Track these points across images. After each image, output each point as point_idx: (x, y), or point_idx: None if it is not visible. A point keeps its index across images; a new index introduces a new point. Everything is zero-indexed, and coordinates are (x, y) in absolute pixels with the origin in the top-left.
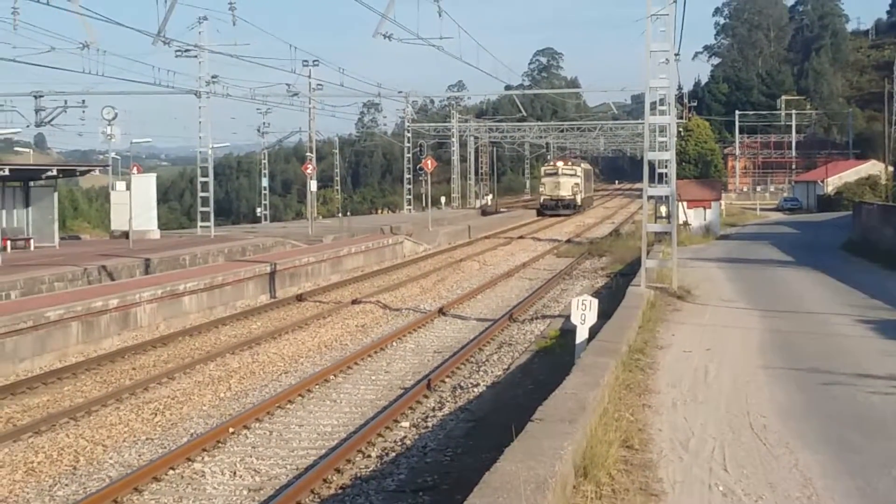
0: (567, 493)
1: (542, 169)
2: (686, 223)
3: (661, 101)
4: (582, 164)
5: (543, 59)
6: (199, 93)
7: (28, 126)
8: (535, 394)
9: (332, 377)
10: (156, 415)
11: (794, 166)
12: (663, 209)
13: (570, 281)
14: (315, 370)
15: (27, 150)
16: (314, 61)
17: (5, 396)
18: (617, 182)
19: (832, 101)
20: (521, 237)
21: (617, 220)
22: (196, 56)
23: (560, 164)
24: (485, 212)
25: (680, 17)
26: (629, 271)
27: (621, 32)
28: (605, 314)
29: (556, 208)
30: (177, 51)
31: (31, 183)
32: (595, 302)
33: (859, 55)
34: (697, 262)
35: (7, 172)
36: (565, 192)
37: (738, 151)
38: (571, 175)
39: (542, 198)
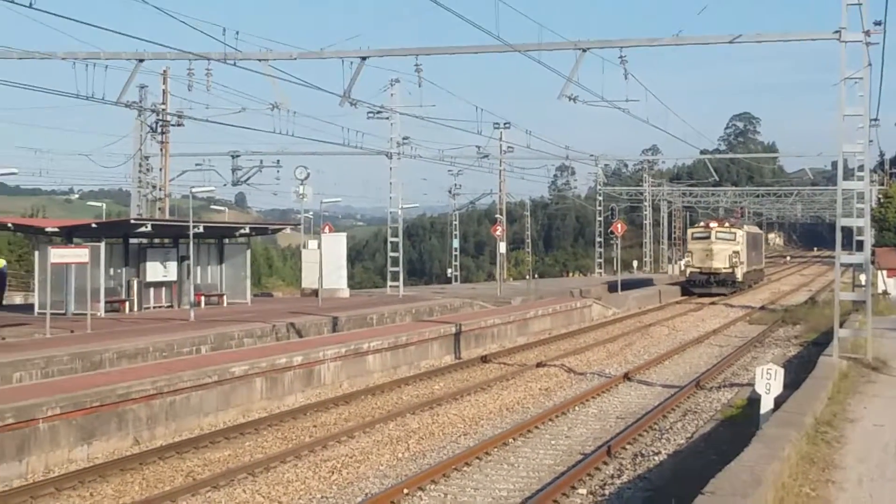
0: None
1: (690, 232)
2: (885, 292)
3: (861, 168)
4: (745, 228)
5: (740, 124)
6: (391, 154)
7: (225, 185)
8: (718, 464)
9: (511, 440)
10: (333, 473)
11: None
12: (862, 277)
13: (761, 349)
14: (495, 433)
15: (223, 208)
16: (505, 124)
17: (188, 450)
18: (815, 249)
19: None
20: (712, 303)
21: (814, 287)
22: (387, 118)
23: (714, 225)
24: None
25: (877, 81)
26: (823, 340)
27: (820, 97)
28: (794, 384)
29: (706, 285)
30: (368, 112)
31: (226, 240)
32: (781, 371)
33: None
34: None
35: (202, 230)
36: (720, 264)
37: None
38: (729, 240)
39: (689, 270)
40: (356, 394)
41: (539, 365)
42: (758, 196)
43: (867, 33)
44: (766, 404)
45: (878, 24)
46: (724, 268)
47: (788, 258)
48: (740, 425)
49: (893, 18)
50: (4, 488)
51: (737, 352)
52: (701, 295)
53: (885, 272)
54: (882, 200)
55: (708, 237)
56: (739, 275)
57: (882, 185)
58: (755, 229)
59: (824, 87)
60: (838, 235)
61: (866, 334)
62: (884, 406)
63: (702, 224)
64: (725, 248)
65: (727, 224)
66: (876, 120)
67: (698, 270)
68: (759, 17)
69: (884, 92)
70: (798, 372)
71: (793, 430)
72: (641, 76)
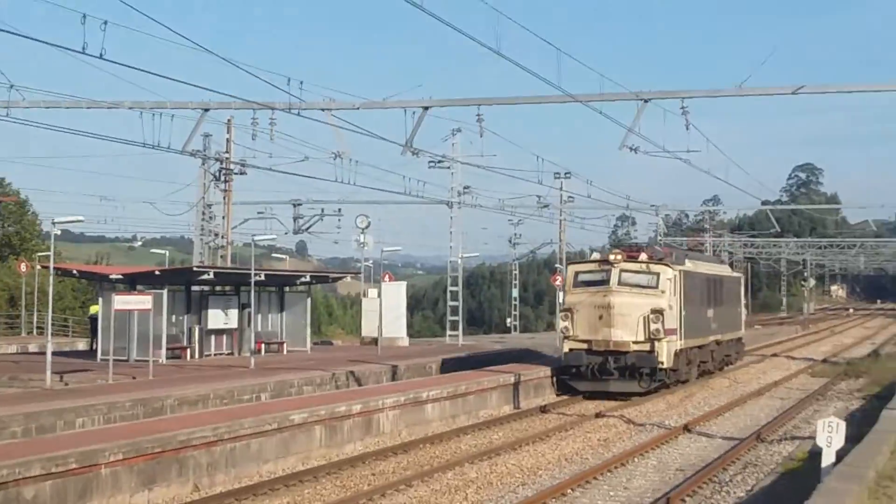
0: None
1: (572, 270)
2: None
3: None
4: (688, 262)
5: (802, 175)
6: (451, 203)
7: (286, 233)
8: None
9: (569, 491)
10: None
11: None
12: None
13: (823, 402)
14: (553, 483)
15: (284, 256)
16: (566, 173)
17: (247, 497)
18: (879, 301)
19: None
20: (774, 355)
21: (878, 340)
22: (448, 167)
23: (616, 258)
24: None
25: None
26: (886, 394)
27: (884, 147)
28: (856, 438)
29: (599, 375)
30: (430, 162)
31: (286, 288)
32: (842, 424)
33: None
34: None
35: (263, 278)
36: (624, 334)
37: None
38: (646, 288)
39: (568, 345)
40: (415, 443)
41: (598, 415)
42: (820, 248)
43: None
44: (828, 458)
45: None
46: (637, 342)
47: (851, 310)
48: (801, 479)
49: None
50: None
51: (798, 405)
52: (589, 395)
53: None
54: None
55: (604, 281)
56: (666, 356)
57: None
58: (718, 268)
59: (889, 138)
60: None
61: None
62: None
63: (596, 257)
64: (639, 304)
65: (647, 256)
66: None
67: (585, 347)
68: (821, 68)
69: None
70: (860, 425)
71: (854, 485)
72: (703, 126)
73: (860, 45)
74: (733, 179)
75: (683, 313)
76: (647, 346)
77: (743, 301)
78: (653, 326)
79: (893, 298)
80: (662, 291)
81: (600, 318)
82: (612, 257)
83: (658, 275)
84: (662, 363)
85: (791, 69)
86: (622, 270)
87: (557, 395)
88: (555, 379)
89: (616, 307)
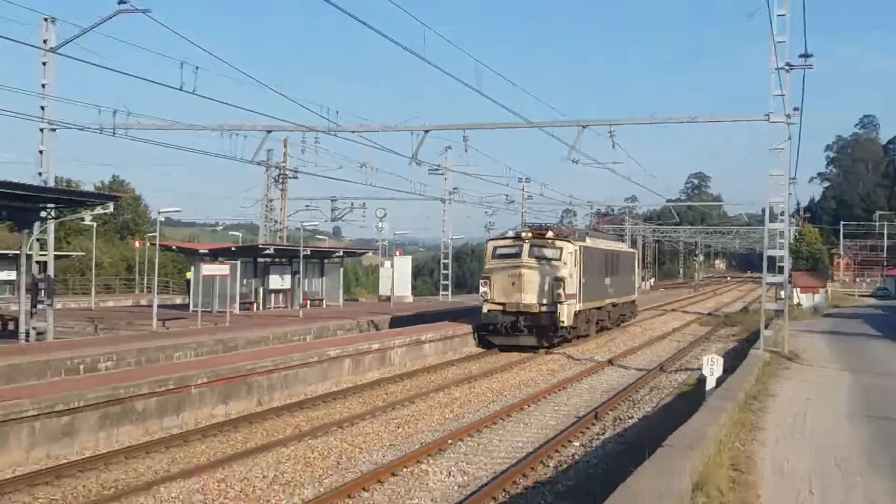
0: (685, 503)
1: (491, 246)
2: (798, 304)
3: (782, 213)
4: (589, 240)
5: (696, 180)
6: (444, 200)
7: (326, 221)
8: (674, 426)
9: (526, 407)
10: (399, 427)
11: (885, 264)
12: (782, 293)
13: (708, 343)
14: (514, 401)
15: (324, 237)
16: (526, 178)
17: (296, 410)
18: (749, 272)
19: None
20: (673, 310)
21: (747, 300)
22: (442, 174)
23: (526, 235)
24: None
25: (795, 150)
26: (752, 338)
27: (754, 160)
28: (731, 369)
29: (512, 332)
30: (429, 170)
31: (325, 260)
32: (721, 360)
33: None
34: (806, 334)
35: (309, 253)
36: (532, 298)
37: (842, 252)
38: (550, 261)
39: (487, 307)
40: (416, 371)
41: (548, 353)
42: (708, 233)
43: (788, 116)
44: (710, 383)
45: (796, 109)
46: (542, 304)
47: (729, 278)
48: (691, 398)
49: (808, 105)
50: (166, 435)
51: (690, 345)
52: (504, 349)
53: (798, 289)
54: (797, 237)
55: (517, 255)
56: (566, 316)
57: (797, 226)
58: (615, 245)
59: (755, 153)
60: (765, 262)
61: (784, 334)
62: (795, 386)
63: (509, 235)
64: (544, 273)
65: (551, 234)
66: (794, 178)
67: (500, 308)
68: (714, 102)
69: (800, 157)
70: (734, 360)
71: (729, 402)
72: (625, 144)
73: (735, 86)
74: (646, 183)
75: (583, 281)
76: (551, 308)
77: (637, 271)
78: (555, 292)
79: (759, 270)
80: (564, 263)
81: (513, 284)
82: (523, 234)
83: (561, 249)
84: (563, 322)
85: (691, 102)
86: (531, 245)
87: (477, 347)
88: (475, 335)
89: (525, 276)
